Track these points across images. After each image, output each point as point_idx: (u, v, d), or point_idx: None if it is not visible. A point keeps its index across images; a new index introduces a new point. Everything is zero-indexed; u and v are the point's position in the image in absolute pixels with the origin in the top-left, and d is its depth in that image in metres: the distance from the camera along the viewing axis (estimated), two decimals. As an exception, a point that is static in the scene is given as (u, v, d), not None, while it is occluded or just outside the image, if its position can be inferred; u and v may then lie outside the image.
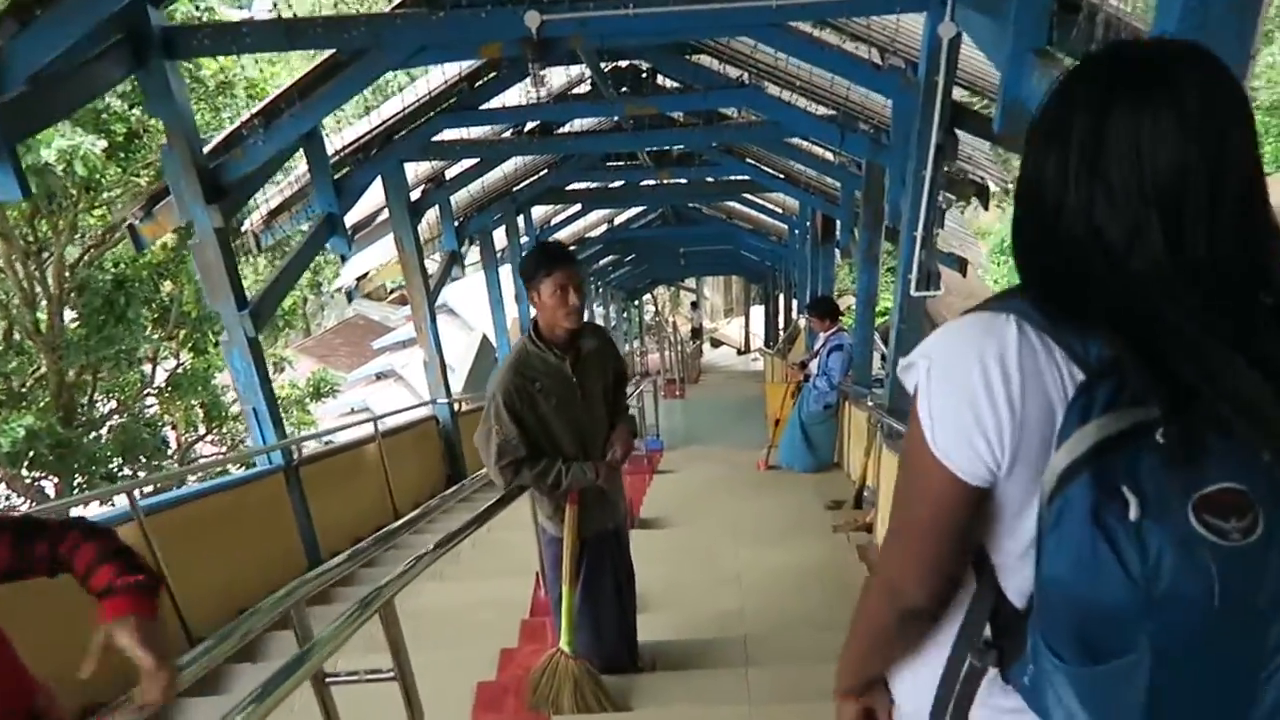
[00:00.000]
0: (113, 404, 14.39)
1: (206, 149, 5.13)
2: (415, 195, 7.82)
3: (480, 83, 6.17)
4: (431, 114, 6.23)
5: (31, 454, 12.06)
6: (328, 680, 2.12)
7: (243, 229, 6.40)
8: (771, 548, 5.91)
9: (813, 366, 8.27)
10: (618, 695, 3.60)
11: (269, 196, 6.55)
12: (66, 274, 12.44)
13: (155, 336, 13.38)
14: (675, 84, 7.15)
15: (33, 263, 12.39)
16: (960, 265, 9.17)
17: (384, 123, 6.36)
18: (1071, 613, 0.90)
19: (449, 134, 7.29)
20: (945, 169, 4.93)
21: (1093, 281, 0.94)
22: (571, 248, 15.89)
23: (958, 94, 4.93)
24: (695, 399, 14.35)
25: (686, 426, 12.63)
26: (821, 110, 6.44)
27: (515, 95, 7.01)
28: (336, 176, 6.08)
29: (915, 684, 1.24)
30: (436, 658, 4.36)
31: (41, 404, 12.78)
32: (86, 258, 12.55)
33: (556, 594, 3.54)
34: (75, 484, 13.19)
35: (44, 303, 12.35)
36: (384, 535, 3.25)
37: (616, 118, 7.69)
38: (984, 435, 0.98)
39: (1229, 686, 0.85)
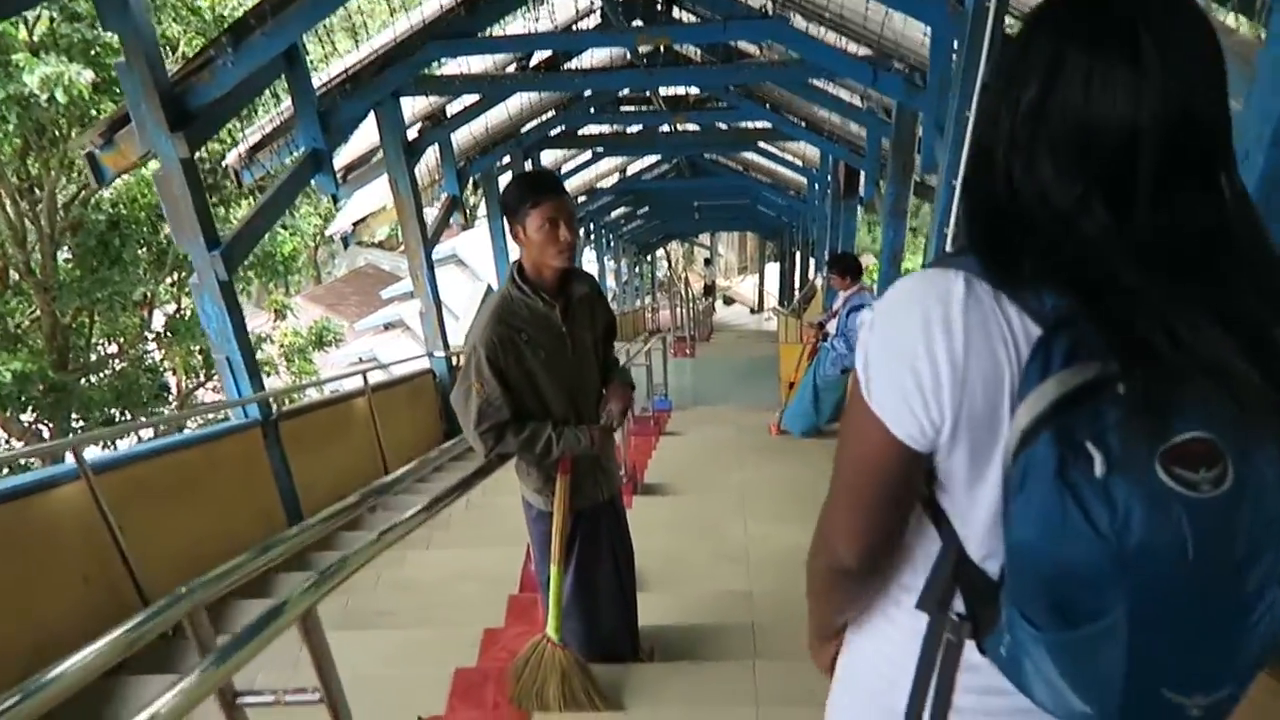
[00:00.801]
0: (113, 348, 14.10)
1: (173, 73, 4.65)
2: (413, 135, 7.34)
3: (478, 5, 5.63)
4: (424, 42, 5.70)
5: (23, 397, 11.79)
6: (239, 700, 1.72)
7: (224, 164, 5.94)
8: (782, 524, 5.50)
9: (831, 326, 7.81)
10: (609, 689, 3.20)
11: (252, 130, 6.09)
12: (60, 213, 12.04)
13: (152, 280, 13.00)
14: (691, 16, 6.62)
15: (25, 201, 11.99)
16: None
17: (374, 52, 5.85)
18: (1043, 577, 0.86)
19: (449, 68, 6.79)
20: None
21: (1043, 245, 0.90)
22: (581, 198, 15.55)
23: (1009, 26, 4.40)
24: (706, 357, 13.90)
25: (696, 386, 12.20)
26: (852, 48, 5.92)
27: (518, 25, 6.50)
28: (322, 110, 5.61)
29: (882, 655, 1.20)
30: (415, 637, 3.99)
31: (35, 347, 12.48)
32: (81, 196, 12.12)
33: (545, 575, 3.14)
34: (72, 429, 12.97)
35: (37, 242, 11.99)
36: (367, 493, 2.83)
37: (628, 54, 7.15)
38: (921, 393, 0.94)
39: (1210, 640, 0.82)
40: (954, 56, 5.41)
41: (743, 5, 5.68)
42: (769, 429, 8.79)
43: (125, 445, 7.91)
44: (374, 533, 2.44)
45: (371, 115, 6.54)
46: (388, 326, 22.83)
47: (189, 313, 13.66)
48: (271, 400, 5.54)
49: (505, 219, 2.77)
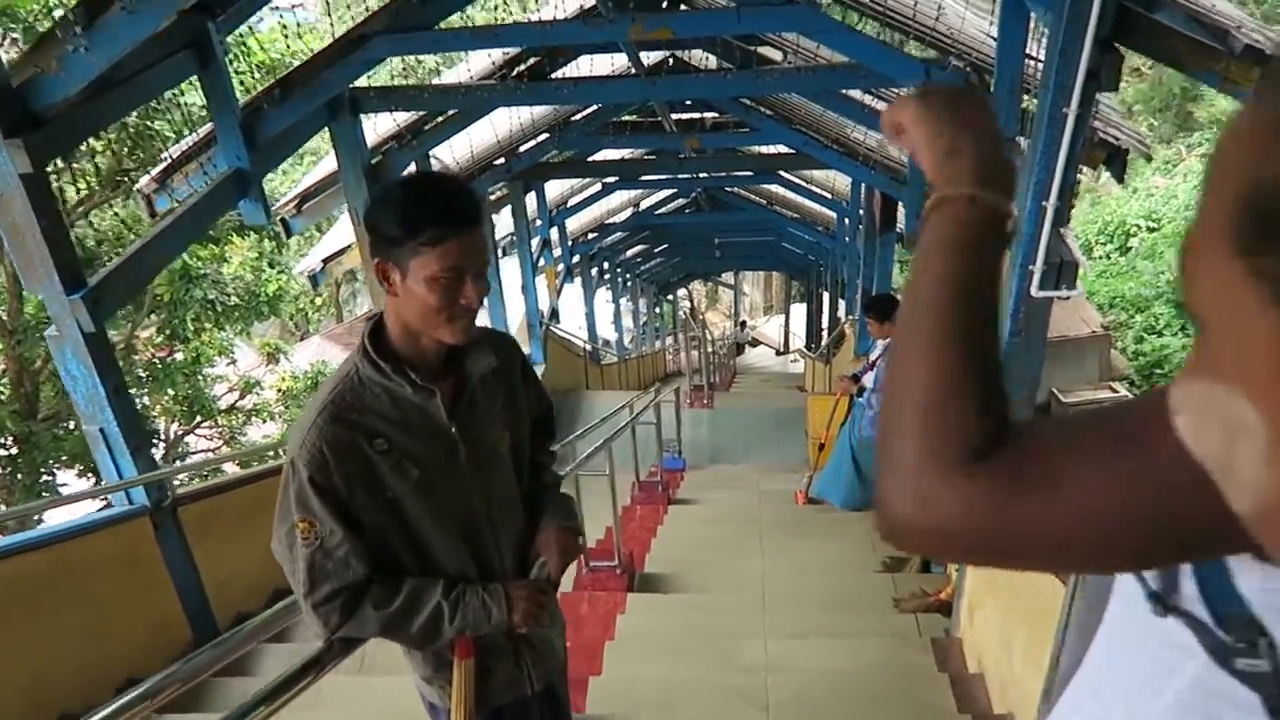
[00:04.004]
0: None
1: (11, 62, 3.61)
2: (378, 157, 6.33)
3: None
4: (369, 37, 4.64)
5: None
6: None
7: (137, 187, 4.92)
8: (812, 640, 4.33)
9: (867, 380, 6.65)
10: None
11: (176, 148, 5.07)
12: (25, 250, 11.16)
13: (127, 323, 12.09)
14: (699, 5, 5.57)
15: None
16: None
17: (317, 52, 4.83)
18: None
19: (417, 77, 5.80)
20: (1095, 109, 3.29)
21: None
22: (592, 234, 14.52)
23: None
24: (725, 408, 12.74)
25: (713, 441, 11.03)
26: (895, 44, 4.84)
27: (484, 16, 5.51)
28: (247, 121, 4.58)
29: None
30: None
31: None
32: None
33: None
34: (42, 480, 12.03)
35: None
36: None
37: (628, 63, 6.09)
38: None
39: None
40: (1028, 49, 4.31)
41: (762, -11, 4.62)
42: (795, 496, 7.62)
43: None
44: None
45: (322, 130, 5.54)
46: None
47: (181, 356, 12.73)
48: (177, 480, 4.44)
49: (371, 246, 1.65)
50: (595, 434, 6.10)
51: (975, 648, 3.97)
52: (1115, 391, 9.52)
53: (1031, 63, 4.36)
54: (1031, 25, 4.21)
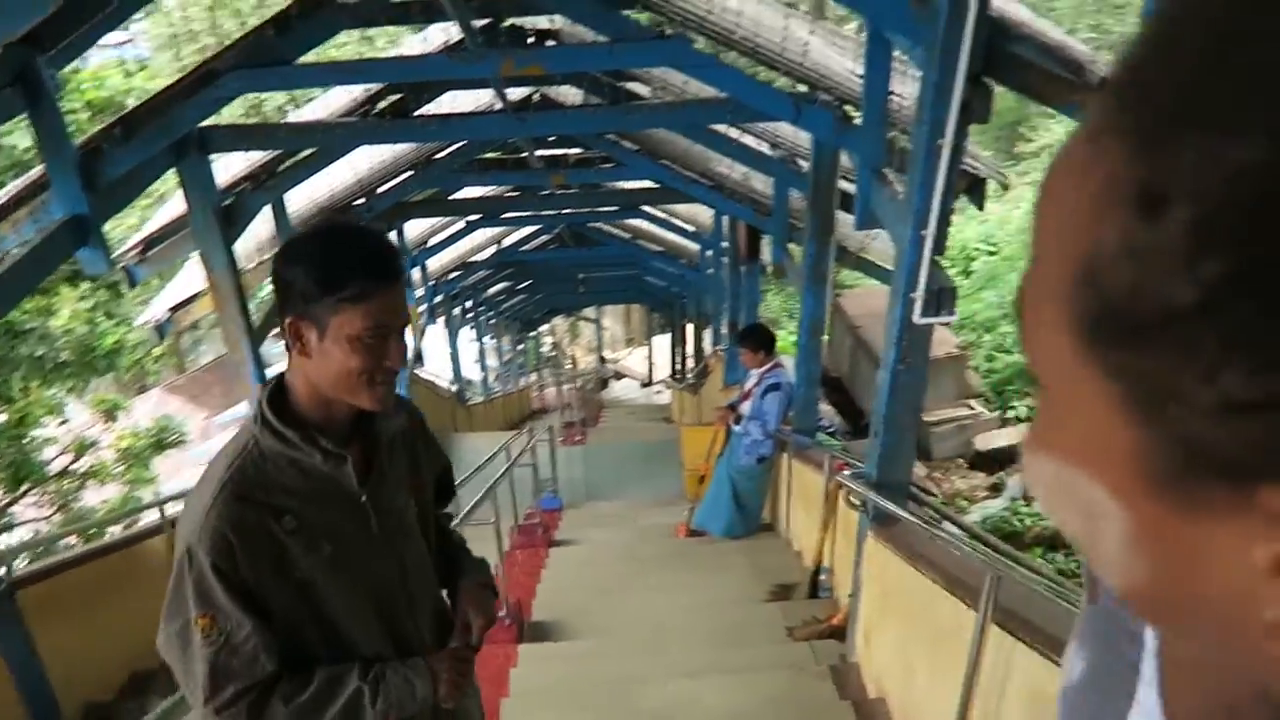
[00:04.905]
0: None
1: None
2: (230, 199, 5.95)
3: (291, 23, 4.32)
4: (222, 71, 4.32)
5: None
6: None
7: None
8: (712, 675, 4.25)
9: (744, 408, 6.72)
10: None
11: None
12: None
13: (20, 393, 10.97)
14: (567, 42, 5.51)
15: None
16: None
17: (163, 89, 4.47)
18: None
19: (276, 115, 5.49)
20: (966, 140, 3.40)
21: None
22: (455, 272, 14.24)
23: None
24: (599, 444, 12.66)
25: (588, 478, 10.89)
26: (764, 79, 4.93)
27: (347, 51, 5.28)
28: (84, 162, 4.19)
29: None
30: None
31: None
32: None
33: None
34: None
35: None
36: None
37: (495, 99, 5.98)
38: None
39: None
40: (899, 84, 4.47)
41: (634, 25, 4.59)
42: (676, 530, 7.59)
43: None
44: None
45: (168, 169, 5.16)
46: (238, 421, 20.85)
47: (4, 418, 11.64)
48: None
49: (279, 307, 1.49)
50: (474, 480, 5.88)
51: (875, 672, 4.00)
52: (972, 409, 10.01)
53: (894, 97, 4.51)
54: (894, 62, 4.37)
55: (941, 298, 3.52)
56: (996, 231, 15.49)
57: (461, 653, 1.73)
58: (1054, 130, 17.59)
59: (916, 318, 3.53)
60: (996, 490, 9.28)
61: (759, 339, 6.63)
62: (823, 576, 5.45)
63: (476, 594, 1.83)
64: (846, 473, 4.34)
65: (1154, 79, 0.33)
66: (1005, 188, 5.09)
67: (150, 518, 5.18)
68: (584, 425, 13.63)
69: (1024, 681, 2.50)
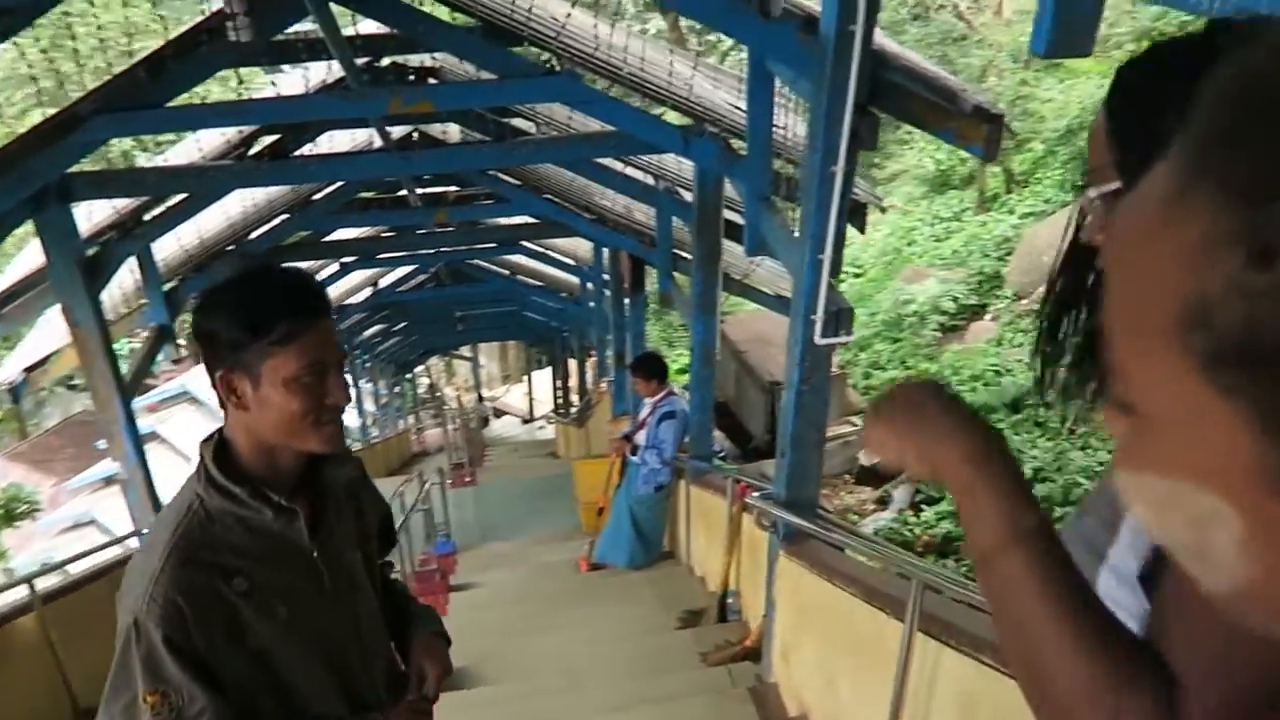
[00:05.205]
0: None
1: None
2: (97, 250, 5.61)
3: (165, 65, 4.11)
4: (89, 115, 4.07)
5: None
6: None
7: None
8: (634, 707, 4.23)
9: (640, 438, 6.76)
10: None
11: None
12: None
13: None
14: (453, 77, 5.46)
15: None
16: (793, 310, 8.00)
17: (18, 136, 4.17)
18: None
19: (143, 160, 5.22)
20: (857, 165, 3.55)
21: None
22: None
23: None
24: (489, 484, 12.45)
25: (481, 519, 10.68)
26: (653, 113, 5.02)
27: (222, 91, 5.09)
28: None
29: None
30: None
31: None
32: None
33: None
34: None
35: None
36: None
37: (376, 138, 5.87)
38: None
39: None
40: (779, 116, 4.61)
41: (522, 61, 4.59)
42: (578, 564, 7.53)
43: None
44: None
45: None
46: (110, 481, 19.45)
47: None
48: None
49: (207, 363, 1.43)
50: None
51: (794, 690, 4.06)
52: (855, 425, 10.35)
53: (778, 129, 4.66)
54: (776, 95, 4.52)
55: (840, 318, 3.65)
56: (861, 254, 16.18)
57: (419, 705, 1.68)
58: (906, 157, 18.53)
59: (817, 338, 3.64)
60: (883, 503, 9.62)
61: (652, 368, 6.71)
62: (730, 600, 5.51)
63: (430, 644, 1.78)
64: (755, 494, 4.41)
65: (1249, 138, 0.37)
66: (883, 210, 5.32)
67: (16, 595, 4.77)
68: (472, 465, 13.39)
69: (952, 683, 2.59)
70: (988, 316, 13.08)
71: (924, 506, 8.96)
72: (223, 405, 1.45)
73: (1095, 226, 1.02)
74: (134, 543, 5.98)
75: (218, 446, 1.47)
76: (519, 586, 7.31)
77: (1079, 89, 14.33)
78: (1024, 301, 12.49)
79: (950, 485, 0.85)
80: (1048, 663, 0.76)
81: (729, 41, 19.49)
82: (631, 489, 6.88)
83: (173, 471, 7.94)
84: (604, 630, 5.69)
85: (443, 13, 4.99)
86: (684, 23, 19.37)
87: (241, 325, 1.36)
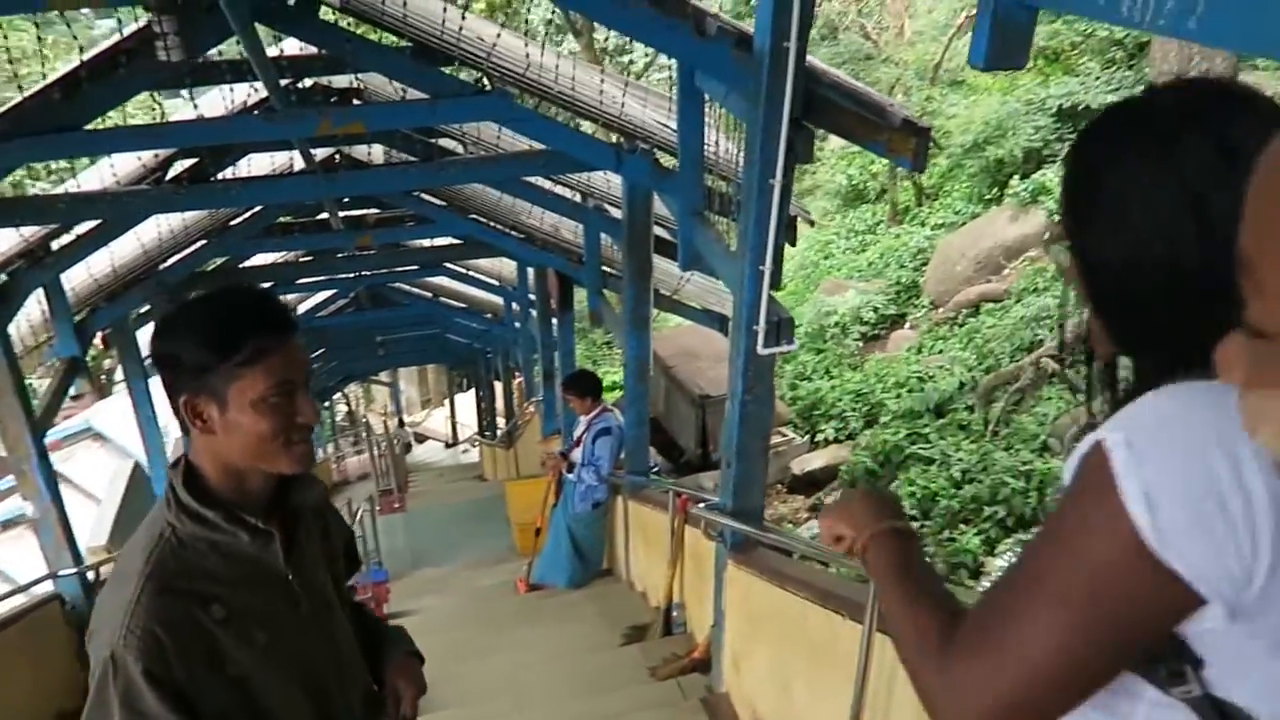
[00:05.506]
0: None
1: None
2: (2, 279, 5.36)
3: (80, 87, 3.96)
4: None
5: None
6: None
7: None
8: (587, 726, 4.21)
9: (576, 455, 6.75)
10: None
11: None
12: None
13: None
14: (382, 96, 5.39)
15: None
16: (722, 324, 8.11)
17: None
18: None
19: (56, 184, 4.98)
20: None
21: None
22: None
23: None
24: (419, 509, 12.25)
25: (412, 546, 10.50)
26: (585, 130, 5.05)
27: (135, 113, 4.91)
28: None
29: None
30: None
31: None
32: None
33: None
34: None
35: None
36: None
37: (295, 160, 5.75)
38: (1235, 535, 0.78)
39: None
40: (709, 133, 4.68)
41: (453, 81, 4.56)
42: (516, 586, 7.45)
43: None
44: None
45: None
46: (7, 524, 18.44)
47: None
48: None
49: (169, 388, 1.40)
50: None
51: (746, 699, 4.08)
52: (784, 435, 10.52)
53: (708, 145, 4.73)
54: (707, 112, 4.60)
55: (781, 328, 3.72)
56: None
57: None
58: (819, 173, 18.96)
59: (760, 349, 3.69)
60: (815, 510, 9.78)
61: (586, 385, 6.71)
62: (675, 613, 5.52)
63: (405, 664, 1.78)
64: (701, 505, 4.44)
65: None
66: (811, 224, 5.45)
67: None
68: (401, 492, 13.15)
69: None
70: (907, 325, 13.47)
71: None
72: (185, 431, 1.42)
73: None
74: (48, 587, 5.70)
75: (186, 473, 1.44)
76: (457, 611, 7.20)
77: (982, 105, 14.90)
78: (941, 310, 12.89)
79: (871, 542, 1.22)
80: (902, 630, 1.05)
81: (641, 63, 19.80)
82: (569, 507, 6.86)
83: (79, 511, 7.60)
84: (548, 650, 5.63)
85: (369, 32, 4.93)
86: (598, 44, 19.53)
87: (207, 347, 1.34)
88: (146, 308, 7.86)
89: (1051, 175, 12.59)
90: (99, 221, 5.61)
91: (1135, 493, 0.80)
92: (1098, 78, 13.57)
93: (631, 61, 19.88)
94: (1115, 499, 0.81)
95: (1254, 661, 0.84)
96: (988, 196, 14.24)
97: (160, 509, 1.43)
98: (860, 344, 13.17)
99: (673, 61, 4.59)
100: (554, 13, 13.75)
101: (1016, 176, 13.33)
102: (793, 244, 5.50)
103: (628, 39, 17.79)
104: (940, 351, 11.62)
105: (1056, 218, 1.04)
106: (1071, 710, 0.88)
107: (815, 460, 10.46)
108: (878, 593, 1.23)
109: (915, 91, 16.66)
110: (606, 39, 19.31)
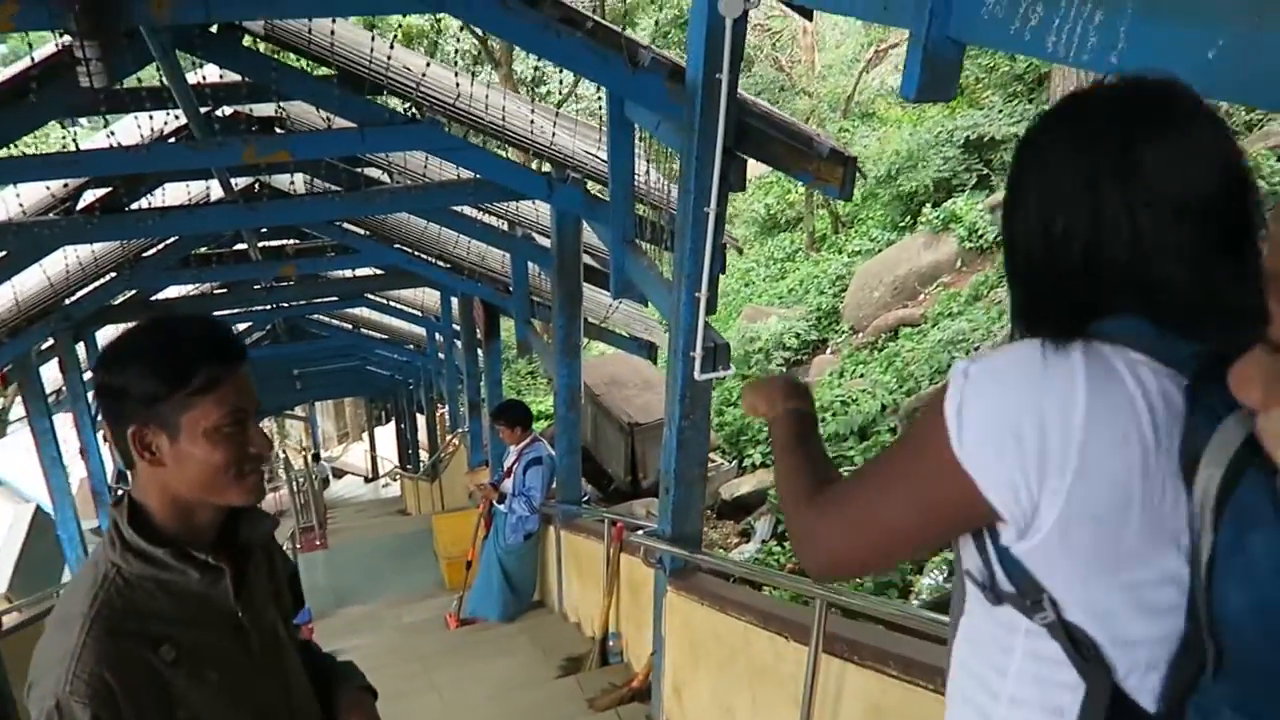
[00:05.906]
0: None
1: None
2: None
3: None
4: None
5: None
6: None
7: None
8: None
9: (507, 486, 6.68)
10: None
11: None
12: None
13: None
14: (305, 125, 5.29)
15: None
16: (650, 351, 8.16)
17: None
18: None
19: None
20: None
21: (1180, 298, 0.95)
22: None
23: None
24: (341, 545, 11.91)
25: (335, 584, 10.19)
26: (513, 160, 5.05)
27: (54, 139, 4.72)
28: None
29: None
30: None
31: None
32: None
33: None
34: None
35: None
36: None
37: (213, 189, 5.61)
38: (1023, 458, 0.94)
39: None
40: (641, 162, 4.75)
41: (382, 110, 4.51)
42: (446, 621, 7.30)
43: None
44: None
45: None
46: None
47: None
48: None
49: (114, 420, 1.36)
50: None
51: (688, 724, 4.08)
52: (714, 461, 10.56)
53: (639, 175, 4.79)
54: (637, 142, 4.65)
55: (717, 354, 3.76)
56: (705, 295, 16.64)
57: None
58: (737, 201, 19.28)
59: (697, 374, 3.73)
60: (745, 535, 9.83)
61: (515, 415, 6.65)
62: (612, 642, 5.48)
63: (358, 699, 1.73)
64: (640, 532, 4.43)
65: None
66: (740, 252, 5.54)
67: None
68: (323, 529, 12.78)
69: (858, 699, 2.68)
70: (829, 350, 13.73)
71: (786, 536, 9.22)
72: (130, 465, 1.37)
73: None
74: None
75: (130, 509, 1.38)
76: (386, 649, 7.00)
77: (893, 136, 15.39)
78: (860, 335, 13.18)
79: (776, 419, 1.44)
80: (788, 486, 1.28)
81: (558, 94, 19.92)
82: (500, 539, 6.77)
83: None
84: (484, 687, 5.52)
85: (292, 59, 4.86)
86: (516, 75, 19.58)
87: (158, 376, 1.29)
88: (50, 343, 7.55)
89: (962, 204, 13.05)
90: (2, 254, 5.36)
91: (953, 411, 1.00)
92: (1000, 110, 14.17)
93: (549, 92, 19.97)
94: (941, 412, 1.00)
95: (1075, 587, 0.98)
96: (901, 224, 14.69)
97: (103, 548, 1.37)
98: (784, 369, 13.37)
99: (590, 92, 4.63)
100: (472, 43, 13.73)
101: (928, 205, 13.78)
102: (722, 271, 5.60)
103: (545, 70, 17.92)
104: (861, 375, 11.86)
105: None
106: (901, 559, 1.24)
107: (744, 485, 10.53)
108: (774, 460, 1.41)
109: (829, 123, 17.12)
110: (523, 70, 19.39)
